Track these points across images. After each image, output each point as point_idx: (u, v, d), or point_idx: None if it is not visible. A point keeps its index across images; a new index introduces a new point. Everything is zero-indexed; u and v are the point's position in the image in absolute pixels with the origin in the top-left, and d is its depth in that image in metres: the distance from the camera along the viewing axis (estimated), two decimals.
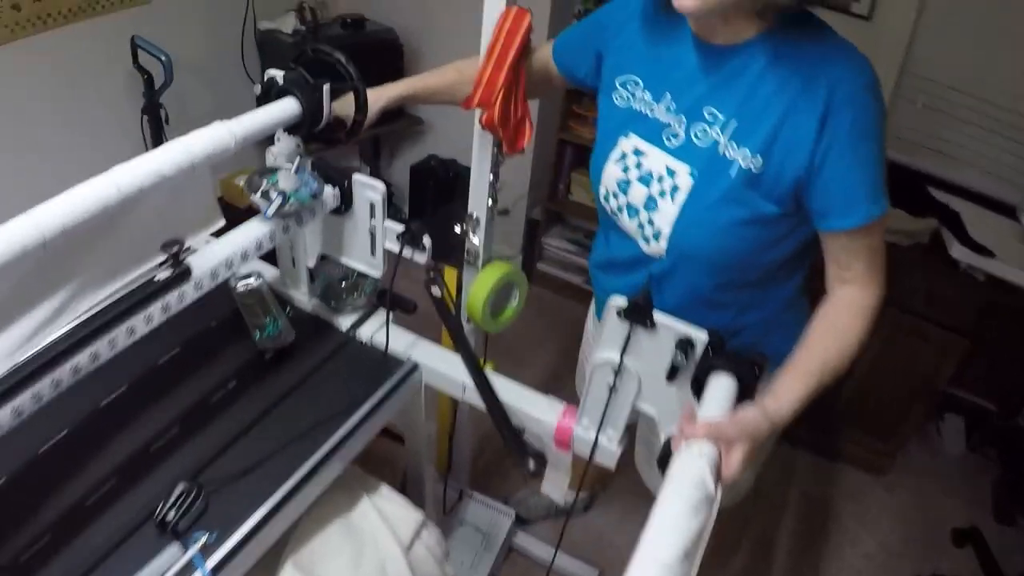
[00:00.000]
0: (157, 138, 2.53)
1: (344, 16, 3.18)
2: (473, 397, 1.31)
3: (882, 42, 2.49)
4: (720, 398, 0.97)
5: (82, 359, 0.91)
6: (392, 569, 1.28)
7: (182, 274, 1.03)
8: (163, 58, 2.39)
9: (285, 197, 1.17)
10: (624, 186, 1.23)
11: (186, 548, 0.99)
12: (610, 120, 1.28)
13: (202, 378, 1.29)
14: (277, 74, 1.21)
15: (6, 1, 2.18)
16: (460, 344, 1.26)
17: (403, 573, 1.29)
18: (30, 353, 0.86)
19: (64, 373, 0.89)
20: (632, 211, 1.23)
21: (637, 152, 1.22)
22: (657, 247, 1.22)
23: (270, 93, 1.20)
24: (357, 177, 1.32)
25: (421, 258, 1.32)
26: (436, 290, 1.26)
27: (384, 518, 1.32)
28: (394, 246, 1.34)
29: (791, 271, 1.26)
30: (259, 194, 1.17)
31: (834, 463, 2.79)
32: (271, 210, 1.16)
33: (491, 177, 1.44)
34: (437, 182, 3.35)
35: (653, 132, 1.20)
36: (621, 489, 2.42)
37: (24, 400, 0.85)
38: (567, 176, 3.24)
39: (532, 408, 1.30)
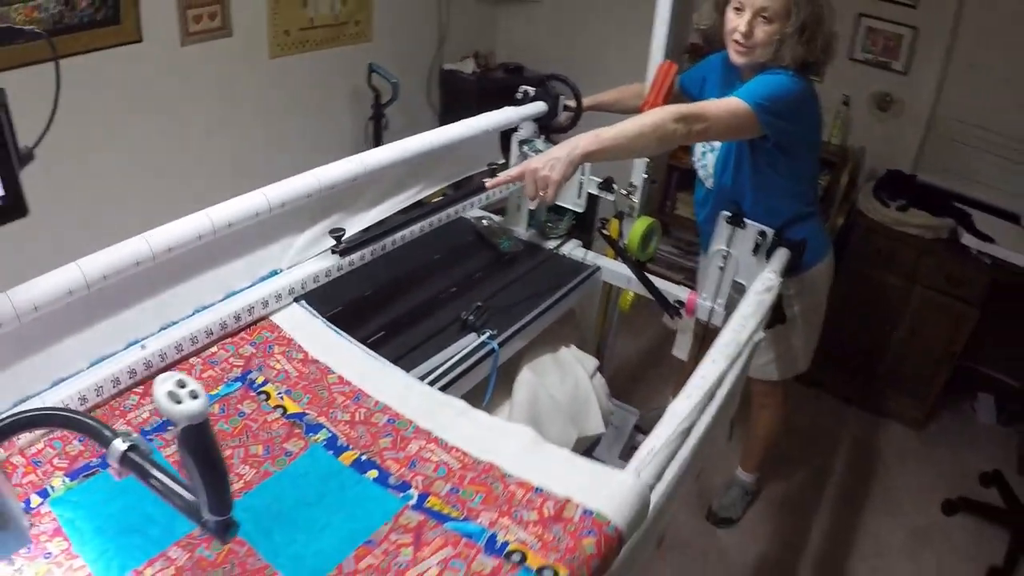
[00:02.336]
0: (378, 140, 3.50)
1: (506, 63, 4.17)
2: (636, 286, 2.18)
3: (918, 92, 3.36)
4: (780, 260, 1.84)
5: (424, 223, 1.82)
6: (582, 387, 2.11)
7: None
8: (394, 80, 3.38)
9: (540, 151, 2.09)
10: (703, 155, 2.29)
11: (479, 336, 1.83)
12: None
13: (478, 259, 2.18)
14: (530, 89, 2.15)
15: (280, 27, 3.16)
16: (625, 259, 2.15)
17: (588, 391, 2.12)
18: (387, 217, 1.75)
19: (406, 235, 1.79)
20: (703, 167, 2.28)
21: None
22: (710, 182, 2.27)
23: (525, 98, 2.13)
24: None
25: (610, 197, 2.22)
26: (606, 231, 2.17)
27: (576, 357, 2.18)
28: (595, 191, 2.24)
29: (791, 197, 2.18)
30: (526, 149, 2.09)
31: (879, 418, 3.53)
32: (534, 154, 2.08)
33: (647, 160, 2.33)
34: None
35: None
36: None
37: (384, 244, 1.72)
38: (673, 194, 4.10)
39: (670, 291, 2.16)
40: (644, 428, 2.82)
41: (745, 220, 1.94)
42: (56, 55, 0.74)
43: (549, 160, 1.54)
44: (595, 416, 2.07)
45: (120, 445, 0.82)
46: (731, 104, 1.83)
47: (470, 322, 1.82)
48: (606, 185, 2.22)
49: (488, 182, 1.76)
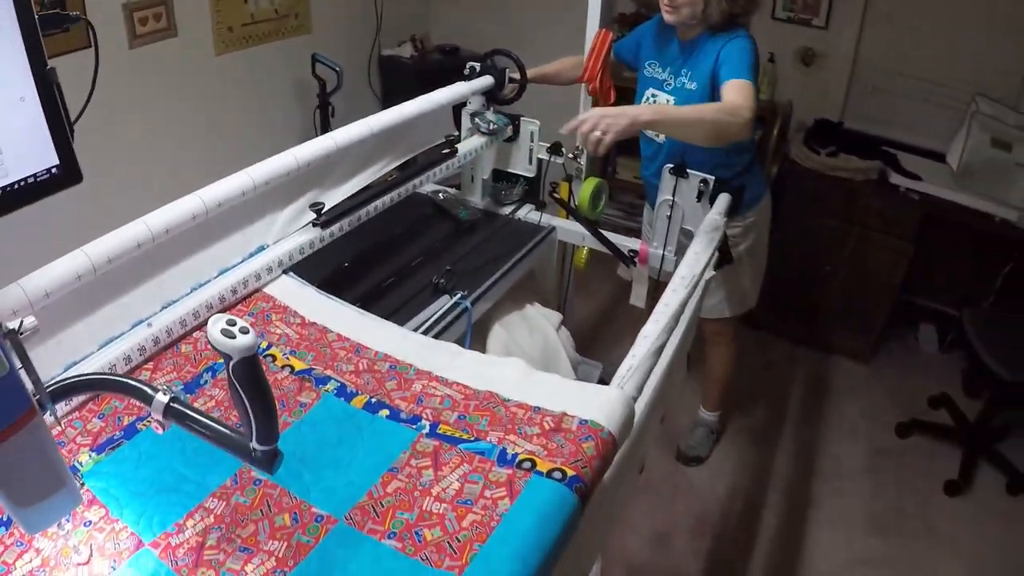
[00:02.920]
0: (325, 127, 3.58)
1: (443, 45, 4.28)
2: (589, 239, 2.32)
3: (838, 45, 3.58)
4: (723, 203, 1.99)
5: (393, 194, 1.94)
6: (550, 339, 2.25)
7: (453, 152, 2.06)
8: (337, 68, 3.47)
9: (491, 122, 2.20)
10: None
11: (451, 297, 1.94)
12: (642, 82, 2.45)
13: (440, 229, 2.29)
14: (476, 64, 2.26)
15: (224, 24, 3.22)
16: (577, 218, 2.29)
17: (556, 343, 2.26)
18: (358, 191, 1.86)
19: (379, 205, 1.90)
20: None
21: (653, 95, 2.39)
22: (662, 136, 2.38)
23: (472, 74, 2.24)
24: (523, 118, 2.36)
25: (559, 160, 2.35)
26: (557, 195, 2.30)
27: (541, 313, 2.31)
28: (544, 156, 2.36)
29: (738, 147, 2.32)
30: (477, 121, 2.21)
31: (828, 354, 3.76)
32: (485, 128, 2.20)
33: None
34: None
35: (659, 85, 2.35)
36: None
37: (354, 218, 1.83)
38: (614, 159, 4.25)
39: (623, 244, 2.30)
40: (608, 380, 3.00)
41: (688, 170, 2.08)
42: (96, 41, 0.83)
43: (606, 121, 1.76)
44: (564, 365, 2.21)
45: (162, 398, 0.93)
46: (741, 86, 2.02)
47: (441, 285, 1.94)
48: (555, 149, 2.35)
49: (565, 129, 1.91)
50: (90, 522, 1.03)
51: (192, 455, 1.14)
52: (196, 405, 1.00)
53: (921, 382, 3.57)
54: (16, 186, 0.70)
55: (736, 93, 2.01)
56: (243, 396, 0.85)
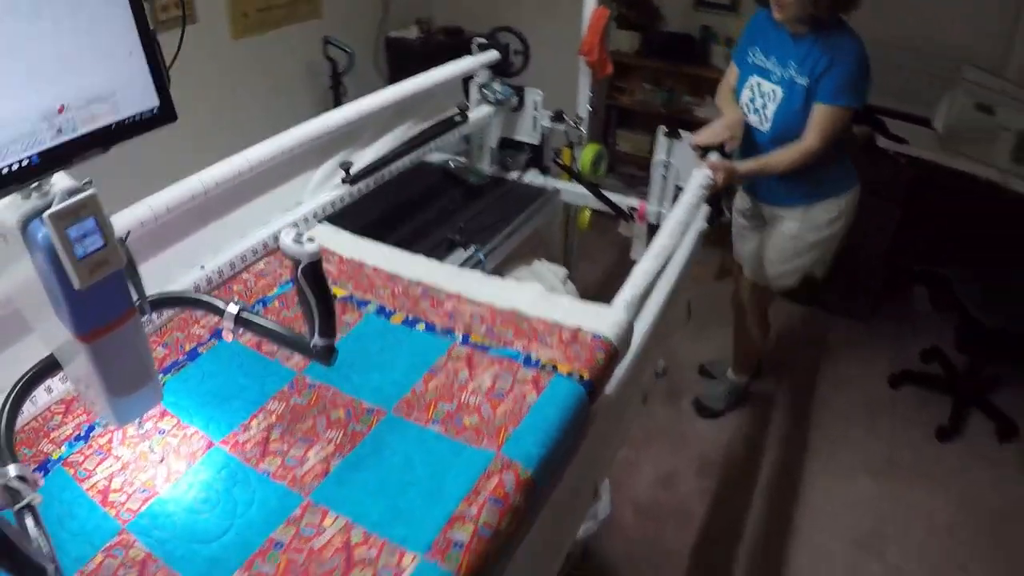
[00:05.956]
0: (338, 106, 3.74)
1: (446, 27, 4.45)
2: (591, 201, 2.49)
3: None
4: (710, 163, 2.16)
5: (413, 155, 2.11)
6: (557, 291, 2.42)
7: (464, 119, 2.23)
8: (349, 51, 3.63)
9: (497, 92, 2.37)
10: (752, 100, 2.48)
11: (466, 250, 2.11)
12: (744, 68, 2.53)
13: (453, 193, 2.46)
14: (482, 40, 2.43)
15: (239, 10, 3.40)
16: (580, 180, 2.46)
17: (564, 294, 2.42)
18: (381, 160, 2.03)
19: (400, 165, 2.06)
20: (755, 111, 2.46)
21: (758, 83, 2.45)
22: (766, 126, 2.43)
23: (479, 49, 2.41)
24: (527, 88, 2.52)
25: (562, 127, 2.51)
26: (560, 160, 2.47)
27: (548, 268, 2.47)
28: (547, 124, 2.53)
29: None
30: (485, 91, 2.37)
31: (830, 314, 3.95)
32: (492, 98, 2.36)
33: (590, 94, 2.63)
34: None
35: (764, 74, 2.43)
36: None
37: (379, 176, 2.00)
38: (613, 132, 4.42)
39: (622, 202, 2.47)
40: None
41: (680, 132, 2.25)
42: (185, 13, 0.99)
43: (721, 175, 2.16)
44: None
45: (233, 308, 1.09)
46: (825, 117, 2.28)
47: (457, 240, 2.12)
48: (558, 117, 2.52)
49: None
50: (164, 431, 1.18)
51: (250, 368, 1.30)
52: None
53: (915, 340, 3.73)
54: (126, 122, 0.87)
55: (818, 126, 2.29)
56: (309, 295, 1.01)
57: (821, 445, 3.09)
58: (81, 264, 0.79)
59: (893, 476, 2.98)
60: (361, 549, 0.97)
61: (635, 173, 4.39)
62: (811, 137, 2.30)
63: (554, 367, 1.23)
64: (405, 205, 2.31)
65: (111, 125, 0.86)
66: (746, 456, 3.04)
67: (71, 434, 1.15)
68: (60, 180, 0.81)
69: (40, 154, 0.79)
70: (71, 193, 0.78)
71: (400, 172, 2.09)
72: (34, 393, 1.05)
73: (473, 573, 0.93)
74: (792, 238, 2.65)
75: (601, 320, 1.34)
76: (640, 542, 2.63)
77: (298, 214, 1.73)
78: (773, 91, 2.39)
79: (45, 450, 1.13)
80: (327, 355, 1.07)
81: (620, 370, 1.40)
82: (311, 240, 0.99)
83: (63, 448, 1.13)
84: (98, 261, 0.81)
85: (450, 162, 2.61)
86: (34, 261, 0.80)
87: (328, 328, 1.05)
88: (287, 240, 0.98)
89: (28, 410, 1.18)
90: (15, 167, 0.77)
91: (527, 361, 1.26)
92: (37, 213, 0.77)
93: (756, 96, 2.46)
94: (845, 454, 3.08)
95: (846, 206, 2.59)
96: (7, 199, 0.78)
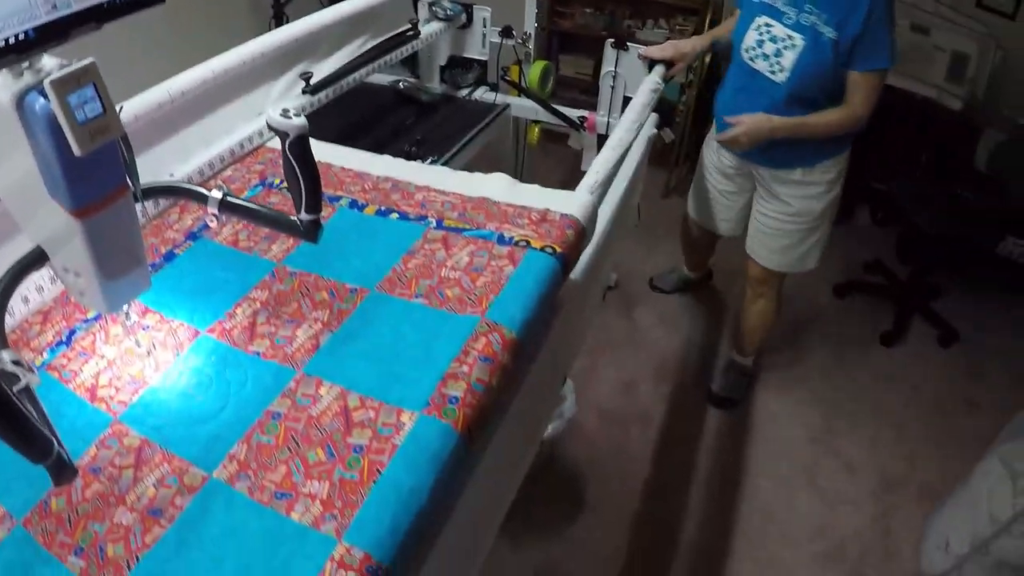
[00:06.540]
0: None
1: None
2: (542, 115, 2.54)
3: None
4: (660, 71, 2.25)
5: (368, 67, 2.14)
6: None
7: (416, 33, 2.26)
8: None
9: (447, 8, 2.40)
10: (760, 44, 2.20)
11: (423, 162, 2.14)
12: (747, 7, 2.25)
13: (406, 110, 2.50)
14: None
15: None
16: (529, 95, 2.50)
17: None
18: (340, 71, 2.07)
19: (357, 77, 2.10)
20: (765, 57, 2.19)
21: (768, 26, 2.17)
22: (782, 76, 2.17)
23: None
24: (475, 6, 2.55)
25: (510, 42, 2.55)
26: (509, 77, 2.51)
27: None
28: (496, 40, 2.57)
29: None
30: (435, 8, 2.40)
31: None
32: (442, 14, 2.39)
33: (535, 10, 2.66)
34: None
35: (775, 14, 2.16)
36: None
37: (338, 86, 2.03)
38: (556, 56, 4.45)
39: (571, 114, 2.53)
40: None
41: (627, 43, 2.31)
42: None
43: (750, 136, 2.22)
44: None
45: (216, 194, 1.13)
46: (871, 85, 2.10)
47: (414, 152, 2.17)
48: (506, 32, 2.55)
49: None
50: (148, 326, 1.19)
51: (229, 263, 1.33)
52: None
53: (858, 252, 3.88)
54: (119, 1, 0.90)
55: (869, 95, 2.11)
56: (296, 168, 1.05)
57: (772, 347, 3.22)
58: (82, 129, 0.81)
59: (842, 377, 3.15)
60: (359, 412, 1.02)
61: (577, 97, 4.43)
62: (862, 106, 2.10)
63: (527, 243, 1.29)
64: (359, 123, 2.34)
65: (103, 3, 0.89)
66: (700, 361, 3.18)
67: (52, 340, 1.16)
68: (49, 60, 0.82)
69: (36, 28, 0.81)
70: (64, 68, 0.80)
71: (353, 92, 2.10)
72: (10, 305, 1.04)
73: (470, 425, 1.00)
74: (795, 215, 2.51)
75: (568, 202, 1.41)
76: (604, 447, 2.74)
77: (262, 122, 1.75)
78: (789, 37, 2.11)
79: (26, 359, 1.13)
80: (314, 230, 1.11)
81: (585, 255, 1.47)
82: (299, 114, 1.02)
83: (45, 354, 1.14)
84: (98, 127, 0.83)
85: (401, 83, 2.63)
86: (30, 134, 0.82)
87: (315, 203, 1.09)
88: (275, 115, 1.02)
89: (6, 322, 1.19)
90: (11, 40, 0.79)
91: (501, 239, 1.32)
92: (31, 88, 0.79)
93: (766, 40, 2.17)
94: (796, 357, 3.24)
95: (845, 163, 2.40)
96: None
